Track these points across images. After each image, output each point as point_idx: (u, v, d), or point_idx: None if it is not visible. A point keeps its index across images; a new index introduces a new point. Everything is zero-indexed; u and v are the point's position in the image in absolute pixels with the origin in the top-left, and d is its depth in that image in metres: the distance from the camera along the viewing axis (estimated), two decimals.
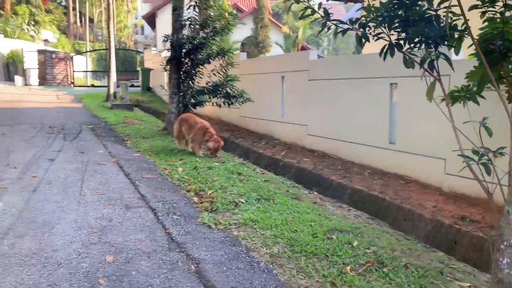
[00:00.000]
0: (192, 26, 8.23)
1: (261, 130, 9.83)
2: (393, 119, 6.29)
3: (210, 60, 8.41)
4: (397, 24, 3.06)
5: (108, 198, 4.33)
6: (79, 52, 29.94)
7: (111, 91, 14.54)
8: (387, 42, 3.12)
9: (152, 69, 18.88)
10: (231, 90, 8.32)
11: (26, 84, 21.17)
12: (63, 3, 44.15)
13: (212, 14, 8.14)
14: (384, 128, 6.37)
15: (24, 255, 2.98)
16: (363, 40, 3.20)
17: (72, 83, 23.41)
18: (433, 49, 2.95)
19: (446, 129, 3.75)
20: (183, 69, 8.29)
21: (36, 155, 6.12)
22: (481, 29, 2.72)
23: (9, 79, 21.83)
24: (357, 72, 6.92)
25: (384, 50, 3.12)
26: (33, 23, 26.65)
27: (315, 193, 5.70)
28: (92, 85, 24.51)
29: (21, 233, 3.36)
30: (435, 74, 2.98)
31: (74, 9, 41.22)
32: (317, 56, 9.69)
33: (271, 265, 2.99)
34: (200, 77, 8.62)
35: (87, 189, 4.60)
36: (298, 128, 8.48)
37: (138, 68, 25.52)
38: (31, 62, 22.28)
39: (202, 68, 8.59)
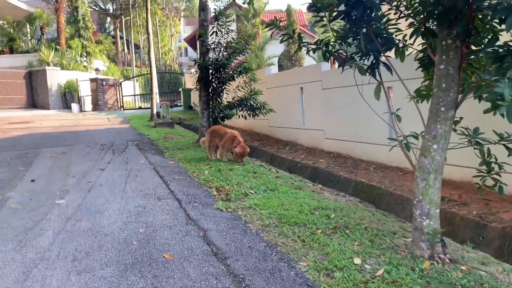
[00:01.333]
0: (217, 49, 9.39)
1: (286, 138, 10.76)
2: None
3: (234, 77, 9.50)
4: (350, 40, 3.96)
5: (144, 193, 5.46)
6: (127, 78, 32.30)
7: (154, 111, 16.05)
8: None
9: (192, 89, 20.36)
10: (254, 103, 9.35)
11: (81, 110, 23.38)
12: (112, 33, 47.62)
13: (233, 37, 9.27)
14: (385, 127, 7.13)
15: (82, 230, 4.12)
16: (328, 55, 4.13)
17: (122, 106, 25.46)
18: (376, 59, 3.83)
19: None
20: (211, 87, 9.44)
21: (90, 167, 7.43)
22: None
23: (67, 106, 24.17)
24: (361, 79, 7.72)
25: (340, 63, 4.04)
26: (85, 54, 29.22)
27: (319, 185, 6.56)
28: (140, 107, 26.50)
29: (79, 218, 4.52)
30: (378, 78, 3.85)
31: (121, 37, 44.35)
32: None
33: (260, 231, 3.94)
34: (227, 93, 9.74)
35: (128, 188, 5.76)
36: (316, 133, 9.35)
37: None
38: (85, 90, 24.58)
39: (228, 85, 9.70)
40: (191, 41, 36.48)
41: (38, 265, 3.37)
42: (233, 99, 9.67)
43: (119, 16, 42.96)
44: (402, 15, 3.27)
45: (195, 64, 9.21)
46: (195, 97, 20.14)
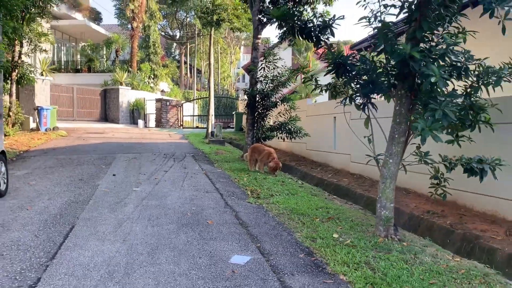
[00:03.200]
0: (264, 81, 11.25)
1: (320, 160, 12.28)
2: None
3: (277, 105, 11.28)
4: (353, 85, 5.57)
5: (196, 188, 7.27)
6: (187, 100, 35.20)
7: (209, 130, 18.15)
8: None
9: (244, 112, 22.42)
10: (292, 127, 11.03)
11: (146, 126, 26.15)
12: (177, 57, 51.53)
13: (278, 72, 11.10)
14: None
15: (153, 206, 5.95)
16: (335, 94, 5.77)
17: (181, 125, 28.05)
18: (367, 99, 5.42)
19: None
20: (256, 112, 11.26)
21: (156, 169, 9.40)
22: None
23: (133, 122, 27.09)
24: (380, 113, 9.21)
25: (343, 100, 5.66)
26: (152, 76, 32.43)
27: (334, 196, 8.05)
28: (197, 127, 28.98)
29: (151, 199, 6.38)
30: (367, 112, 5.42)
31: (185, 62, 47.98)
32: None
33: (275, 216, 5.58)
34: (270, 118, 11.50)
35: (185, 184, 7.61)
36: (344, 157, 10.81)
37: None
38: (150, 108, 27.45)
39: (271, 111, 11.48)
40: (247, 69, 39.04)
41: (125, 221, 5.21)
42: (274, 123, 11.42)
43: (184, 43, 46.65)
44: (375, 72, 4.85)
45: (244, 93, 11.08)
46: (245, 120, 22.17)
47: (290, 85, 11.47)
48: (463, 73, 4.12)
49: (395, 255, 4.13)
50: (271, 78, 11.22)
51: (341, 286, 3.45)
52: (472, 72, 4.25)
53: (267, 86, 11.22)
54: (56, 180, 7.93)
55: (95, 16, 35.76)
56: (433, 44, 4.27)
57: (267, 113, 11.32)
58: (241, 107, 23.81)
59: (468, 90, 4.37)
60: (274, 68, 11.08)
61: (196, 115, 33.54)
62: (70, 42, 33.55)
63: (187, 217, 5.36)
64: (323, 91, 5.93)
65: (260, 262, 3.90)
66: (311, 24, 4.82)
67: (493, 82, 4.12)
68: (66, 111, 24.42)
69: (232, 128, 24.48)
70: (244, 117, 22.64)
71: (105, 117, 27.41)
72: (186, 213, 5.55)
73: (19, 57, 14.75)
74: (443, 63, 4.06)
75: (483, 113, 4.44)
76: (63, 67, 31.78)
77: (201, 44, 46.93)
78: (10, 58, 14.16)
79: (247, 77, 60.54)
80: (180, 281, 3.43)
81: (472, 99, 4.44)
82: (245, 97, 11.27)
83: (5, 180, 6.73)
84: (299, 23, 4.82)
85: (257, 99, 11.04)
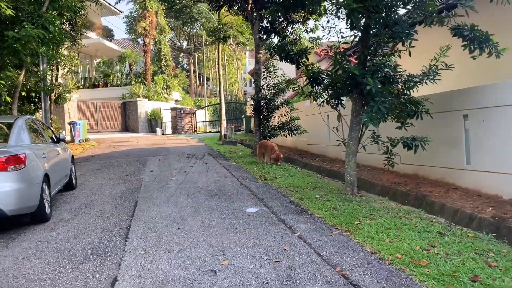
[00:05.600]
0: (267, 88, 13.46)
1: (319, 152, 14.42)
2: None
3: (279, 107, 13.47)
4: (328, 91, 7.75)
5: (218, 175, 9.51)
6: (199, 107, 37.59)
7: (222, 133, 20.43)
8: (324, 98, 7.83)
9: (252, 115, 24.66)
10: (292, 126, 13.21)
11: (163, 134, 28.55)
12: (185, 66, 54.05)
13: (278, 80, 13.31)
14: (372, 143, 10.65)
15: (188, 187, 8.20)
16: (316, 97, 7.95)
17: (195, 131, 30.41)
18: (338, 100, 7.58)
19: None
20: (261, 115, 13.47)
21: (183, 165, 11.66)
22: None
23: (151, 130, 29.51)
24: (347, 110, 11.35)
25: (320, 103, 7.84)
26: (166, 87, 34.89)
27: (326, 177, 10.20)
28: (210, 131, 31.33)
29: (185, 184, 8.62)
30: (338, 109, 7.59)
31: (194, 71, 50.46)
32: None
33: (277, 189, 7.79)
34: (273, 119, 13.70)
35: (209, 174, 9.86)
36: (337, 148, 12.93)
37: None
38: (166, 117, 29.87)
39: (274, 113, 13.67)
40: (253, 74, 41.27)
41: (172, 196, 7.45)
42: (277, 123, 13.62)
43: (192, 53, 49.13)
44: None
45: (251, 99, 13.28)
46: (253, 122, 24.39)
47: (289, 91, 13.67)
48: (392, 81, 6.28)
49: (354, 203, 6.30)
50: (273, 85, 13.42)
51: (315, 218, 5.64)
52: (399, 79, 6.40)
53: (269, 93, 13.43)
54: (107, 177, 10.21)
55: (108, 34, 38.34)
56: (370, 64, 6.44)
57: (271, 115, 13.51)
58: (250, 110, 26.06)
59: (399, 91, 6.52)
60: (275, 77, 13.29)
61: (208, 121, 35.89)
62: (85, 59, 36.15)
63: (214, 192, 7.60)
64: (307, 96, 8.11)
65: (265, 210, 6.11)
66: (292, 52, 7.03)
67: (411, 86, 6.27)
68: (91, 124, 26.92)
69: (242, 130, 26.74)
70: (253, 119, 24.92)
71: (126, 128, 29.87)
72: (213, 190, 7.78)
73: (56, 80, 17.20)
74: (377, 76, 6.22)
75: (423, 106, 6.55)
76: (82, 83, 34.40)
77: (209, 52, 49.31)
78: (49, 81, 16.60)
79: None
80: (216, 221, 5.64)
81: (409, 96, 6.57)
82: (252, 102, 13.44)
83: (75, 177, 9.04)
84: (283, 54, 7.03)
85: (262, 103, 13.25)
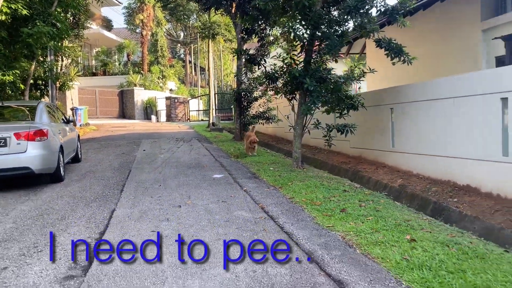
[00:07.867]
0: (247, 82, 15.40)
1: (291, 138, 16.36)
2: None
3: (257, 99, 15.42)
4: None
5: (199, 154, 11.51)
6: (193, 97, 39.43)
7: (211, 121, 22.39)
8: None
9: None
10: (268, 115, 15.17)
11: (158, 121, 30.44)
12: (181, 56, 55.70)
13: (258, 75, 15.22)
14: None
15: (172, 162, 10.18)
16: (277, 92, 9.93)
17: (188, 119, 32.30)
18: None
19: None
20: (242, 105, 15.42)
21: (171, 146, 13.63)
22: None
23: (147, 118, 31.39)
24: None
25: (279, 96, 9.81)
26: (161, 77, 36.70)
27: (288, 158, 12.19)
28: (202, 120, 33.23)
29: (171, 159, 10.59)
30: (292, 101, 9.55)
31: (190, 62, 52.16)
32: None
33: (243, 164, 9.79)
34: (252, 109, 15.66)
35: (192, 153, 11.84)
36: (307, 135, 14.91)
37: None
38: (161, 105, 31.74)
39: (253, 104, 15.63)
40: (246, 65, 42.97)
41: (158, 167, 9.42)
42: (256, 112, 15.58)
43: (188, 44, 50.79)
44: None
45: (233, 91, 15.26)
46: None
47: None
48: (325, 81, 8.24)
49: (295, 173, 8.30)
50: (252, 79, 15.36)
51: (261, 181, 7.64)
52: (331, 80, 8.36)
53: (249, 86, 15.38)
54: (107, 153, 12.17)
55: (107, 24, 39.96)
56: (313, 67, 8.40)
57: (250, 105, 15.47)
58: None
59: (332, 88, 8.48)
60: (253, 72, 15.22)
61: (201, 110, 37.80)
62: (85, 48, 37.80)
63: (193, 165, 9.59)
64: (272, 91, 10.05)
65: (227, 176, 8.11)
66: (255, 57, 8.99)
67: (339, 85, 8.24)
68: (90, 110, 28.73)
69: (232, 120, 28.67)
70: (233, 108, 26.80)
71: (123, 114, 31.75)
72: (192, 163, 9.77)
73: (61, 69, 19.05)
74: (315, 76, 8.17)
75: (359, 100, 8.50)
76: (81, 72, 36.13)
77: (204, 44, 50.92)
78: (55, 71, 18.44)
79: (248, 72, 64.17)
80: (188, 182, 7.62)
81: (346, 92, 8.53)
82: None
83: (80, 152, 11.01)
84: (248, 57, 8.99)
85: (242, 95, 15.20)
